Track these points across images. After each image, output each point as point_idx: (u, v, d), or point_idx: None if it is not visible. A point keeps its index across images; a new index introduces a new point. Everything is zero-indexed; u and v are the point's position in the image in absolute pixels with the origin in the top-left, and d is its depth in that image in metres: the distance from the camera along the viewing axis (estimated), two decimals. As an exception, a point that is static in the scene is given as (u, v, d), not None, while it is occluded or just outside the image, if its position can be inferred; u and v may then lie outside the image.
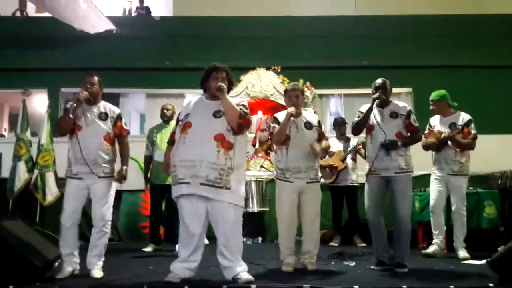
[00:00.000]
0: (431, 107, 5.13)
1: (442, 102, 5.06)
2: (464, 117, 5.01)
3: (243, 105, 3.65)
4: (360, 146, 6.00)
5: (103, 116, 3.95)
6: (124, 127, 4.08)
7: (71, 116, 3.78)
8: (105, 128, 3.92)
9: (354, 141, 6.21)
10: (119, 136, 4.04)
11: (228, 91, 3.67)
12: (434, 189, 5.04)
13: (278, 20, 8.46)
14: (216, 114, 3.54)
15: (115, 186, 3.98)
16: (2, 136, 10.15)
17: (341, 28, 8.35)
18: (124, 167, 4.00)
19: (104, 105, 4.02)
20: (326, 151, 4.40)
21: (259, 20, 8.42)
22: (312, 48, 8.19)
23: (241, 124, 3.51)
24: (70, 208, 3.80)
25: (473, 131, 4.92)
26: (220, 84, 3.54)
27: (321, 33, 8.23)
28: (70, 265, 3.78)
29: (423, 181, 5.70)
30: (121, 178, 3.97)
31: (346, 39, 8.27)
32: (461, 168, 4.91)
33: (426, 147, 5.05)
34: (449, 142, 4.89)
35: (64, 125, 3.84)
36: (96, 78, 3.98)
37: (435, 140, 4.94)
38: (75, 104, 3.78)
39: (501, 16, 8.40)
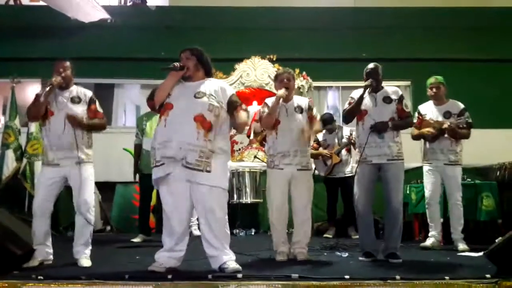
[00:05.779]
0: (433, 91, 4.92)
1: (445, 86, 4.95)
2: (459, 105, 4.89)
3: None
4: (353, 136, 5.85)
5: (76, 100, 3.85)
6: (99, 109, 3.96)
7: (42, 99, 3.67)
8: (78, 111, 3.81)
9: (346, 130, 6.11)
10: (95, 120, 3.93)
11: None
12: (429, 181, 4.90)
13: (275, 11, 8.30)
14: (197, 95, 3.43)
15: (93, 171, 3.86)
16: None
17: (339, 20, 8.17)
18: (85, 121, 3.82)
19: (76, 89, 3.92)
20: (317, 133, 4.32)
21: (256, 10, 8.27)
22: (310, 40, 8.02)
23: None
24: (41, 196, 3.73)
25: (469, 120, 4.81)
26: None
27: (319, 24, 8.06)
28: (41, 255, 3.68)
29: (419, 173, 5.49)
30: (74, 118, 3.72)
31: (344, 31, 8.10)
32: (457, 158, 4.81)
33: (419, 137, 4.90)
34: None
35: (34, 109, 3.74)
36: (67, 63, 3.89)
37: (433, 130, 4.78)
38: (48, 89, 3.67)
39: (505, 8, 8.21)
